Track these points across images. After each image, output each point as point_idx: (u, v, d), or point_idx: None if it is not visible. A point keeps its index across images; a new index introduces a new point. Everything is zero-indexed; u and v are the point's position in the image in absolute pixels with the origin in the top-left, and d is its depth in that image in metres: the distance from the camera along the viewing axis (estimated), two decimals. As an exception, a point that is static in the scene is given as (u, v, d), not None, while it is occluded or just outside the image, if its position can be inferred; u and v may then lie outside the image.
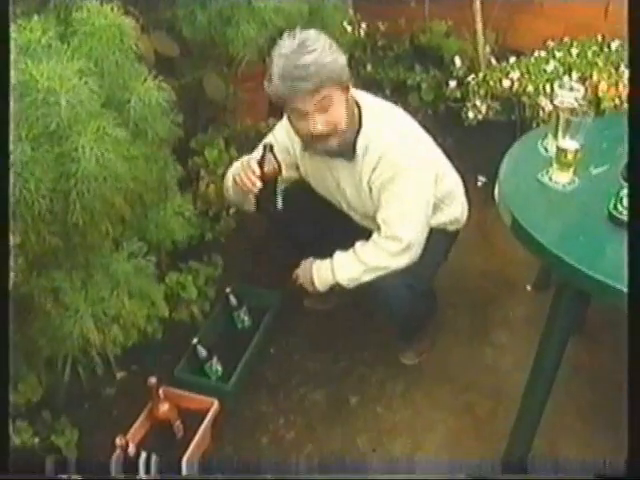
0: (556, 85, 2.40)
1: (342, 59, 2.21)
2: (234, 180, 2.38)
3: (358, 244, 2.44)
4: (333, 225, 2.62)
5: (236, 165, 2.48)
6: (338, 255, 2.47)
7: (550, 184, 2.18)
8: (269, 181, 2.28)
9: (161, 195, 2.19)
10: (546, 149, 2.35)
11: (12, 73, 1.69)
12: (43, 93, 1.63)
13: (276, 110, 3.43)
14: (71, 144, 1.65)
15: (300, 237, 2.70)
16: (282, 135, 2.52)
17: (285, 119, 2.41)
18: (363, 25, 3.89)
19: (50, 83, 1.64)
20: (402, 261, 2.38)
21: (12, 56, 1.74)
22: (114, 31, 1.87)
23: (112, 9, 1.91)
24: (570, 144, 2.13)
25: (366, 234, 2.46)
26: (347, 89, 2.26)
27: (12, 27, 1.82)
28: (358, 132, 2.34)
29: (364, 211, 2.51)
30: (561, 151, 2.16)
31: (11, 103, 1.56)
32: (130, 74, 1.94)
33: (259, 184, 2.26)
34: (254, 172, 2.26)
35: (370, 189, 2.40)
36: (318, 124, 2.21)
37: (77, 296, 1.86)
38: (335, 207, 2.63)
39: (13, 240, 1.61)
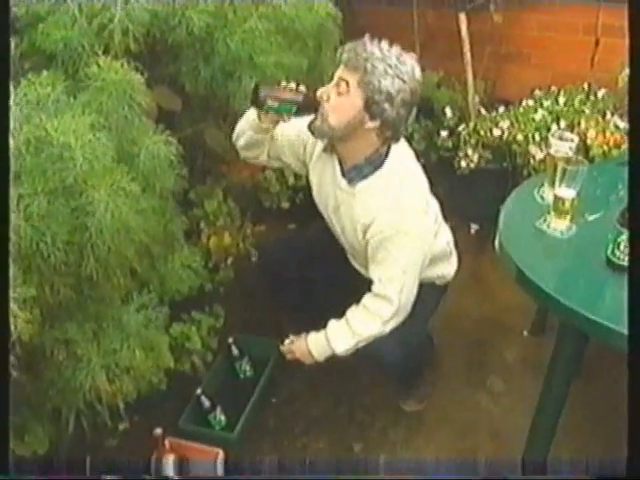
0: (550, 135, 2.47)
1: (391, 87, 2.14)
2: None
3: (349, 312, 2.43)
4: (327, 275, 2.64)
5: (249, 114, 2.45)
6: (331, 327, 2.45)
7: (548, 231, 2.24)
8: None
9: (168, 247, 2.22)
10: (542, 197, 2.41)
11: (26, 128, 1.74)
12: (59, 148, 1.68)
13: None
14: (86, 198, 1.69)
15: (291, 288, 2.71)
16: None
17: None
18: (357, 78, 3.95)
19: (65, 138, 1.69)
20: (390, 326, 2.38)
21: (25, 111, 1.80)
22: (124, 86, 1.93)
23: (122, 65, 1.96)
24: (567, 192, 2.19)
25: (357, 292, 2.44)
26: (372, 117, 2.19)
27: (22, 82, 1.88)
28: (375, 169, 2.30)
29: (352, 244, 2.49)
30: (558, 199, 2.22)
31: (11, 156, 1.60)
32: (138, 128, 1.99)
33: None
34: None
35: (367, 241, 2.36)
36: (323, 90, 2.21)
37: (89, 348, 1.88)
38: (331, 256, 2.62)
39: (20, 292, 1.63)
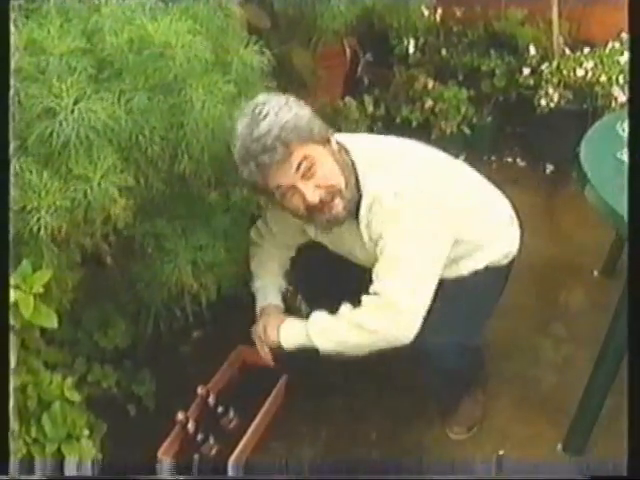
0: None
1: (304, 111, 1.91)
2: None
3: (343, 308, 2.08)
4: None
5: None
6: (315, 313, 2.12)
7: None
8: None
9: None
10: (624, 130, 2.41)
11: (128, 28, 1.79)
12: (160, 47, 1.74)
13: (352, 89, 3.52)
14: (184, 96, 1.76)
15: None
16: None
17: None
18: (439, 10, 3.94)
19: (166, 38, 1.74)
20: (391, 328, 1.98)
21: (127, 13, 1.85)
22: (219, -4, 1.98)
23: (216, -24, 2.01)
24: (651, 124, 2.18)
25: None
26: (328, 141, 1.96)
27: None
28: (357, 185, 2.00)
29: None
30: (641, 131, 2.21)
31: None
32: (232, 38, 2.04)
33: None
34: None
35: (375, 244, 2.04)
36: (310, 192, 1.88)
37: (177, 242, 1.96)
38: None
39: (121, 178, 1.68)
